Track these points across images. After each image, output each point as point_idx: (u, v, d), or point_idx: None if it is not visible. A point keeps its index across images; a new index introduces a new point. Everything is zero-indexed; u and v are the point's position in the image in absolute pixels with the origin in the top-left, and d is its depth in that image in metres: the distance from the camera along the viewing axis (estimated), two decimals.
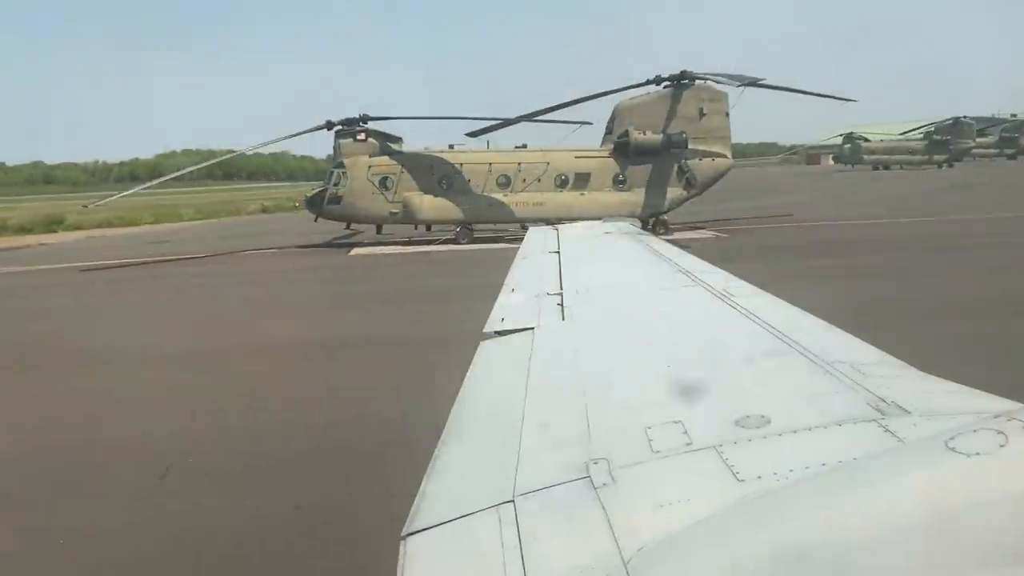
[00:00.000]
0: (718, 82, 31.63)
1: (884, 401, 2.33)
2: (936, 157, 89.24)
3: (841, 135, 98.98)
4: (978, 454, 1.51)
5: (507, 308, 4.65)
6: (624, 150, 31.64)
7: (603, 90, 32.74)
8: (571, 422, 2.63)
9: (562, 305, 4.48)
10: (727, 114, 33.16)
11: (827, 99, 36.94)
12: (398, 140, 32.74)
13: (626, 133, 31.62)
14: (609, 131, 32.65)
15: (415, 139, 33.84)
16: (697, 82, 32.70)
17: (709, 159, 32.39)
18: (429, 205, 30.94)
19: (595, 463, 2.23)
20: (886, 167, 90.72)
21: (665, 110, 32.42)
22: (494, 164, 31.62)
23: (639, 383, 3.08)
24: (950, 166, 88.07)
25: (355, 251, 30.11)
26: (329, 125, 31.55)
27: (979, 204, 39.44)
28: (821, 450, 2.07)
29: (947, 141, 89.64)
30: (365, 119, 31.58)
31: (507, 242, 30.35)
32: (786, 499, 1.76)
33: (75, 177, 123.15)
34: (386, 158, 31.39)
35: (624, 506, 1.95)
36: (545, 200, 31.20)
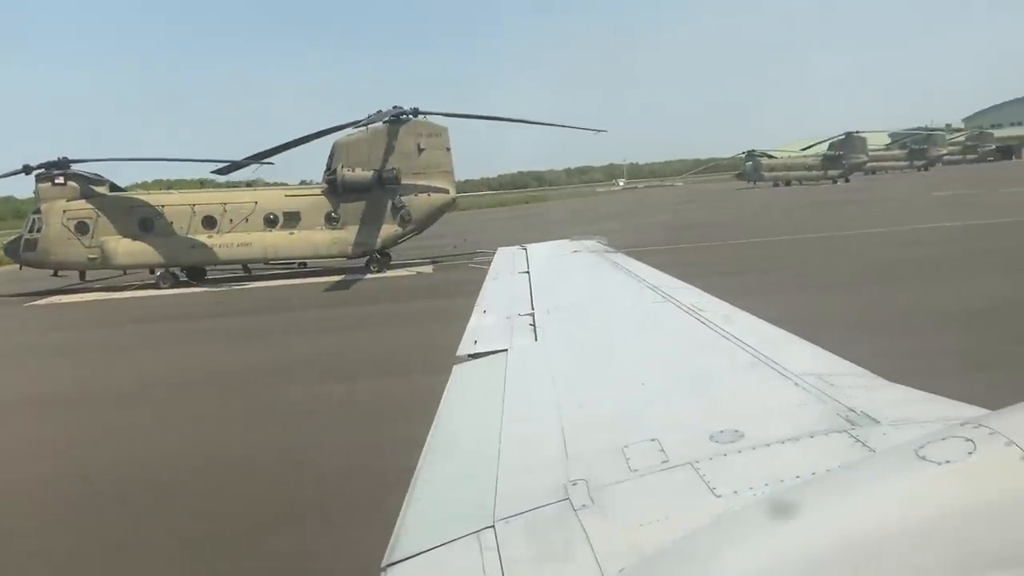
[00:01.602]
0: (386, 121, 29.24)
1: (854, 411, 2.24)
2: (831, 172, 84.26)
3: (744, 153, 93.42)
4: (948, 462, 1.43)
5: (479, 330, 4.38)
6: (335, 187, 29.07)
7: (332, 126, 30.96)
8: (548, 444, 2.47)
9: (534, 325, 4.23)
10: (448, 149, 30.83)
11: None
12: (102, 183, 29.62)
13: (334, 170, 29.21)
14: (328, 168, 29.93)
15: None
16: (419, 117, 30.91)
17: (425, 195, 29.59)
18: (125, 249, 27.88)
19: (574, 484, 2.10)
20: (787, 183, 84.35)
21: (382, 146, 29.84)
22: (198, 205, 28.87)
23: (614, 401, 2.89)
24: (846, 180, 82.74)
25: (41, 301, 26.81)
26: (27, 169, 28.38)
27: (773, 227, 35.05)
28: (794, 462, 1.97)
29: (841, 156, 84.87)
30: (65, 163, 28.49)
31: (226, 284, 28.64)
32: (762, 514, 1.62)
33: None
34: (83, 202, 28.21)
35: (604, 527, 1.84)
36: (252, 240, 28.48)
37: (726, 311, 4.06)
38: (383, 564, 1.94)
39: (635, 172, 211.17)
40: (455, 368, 3.67)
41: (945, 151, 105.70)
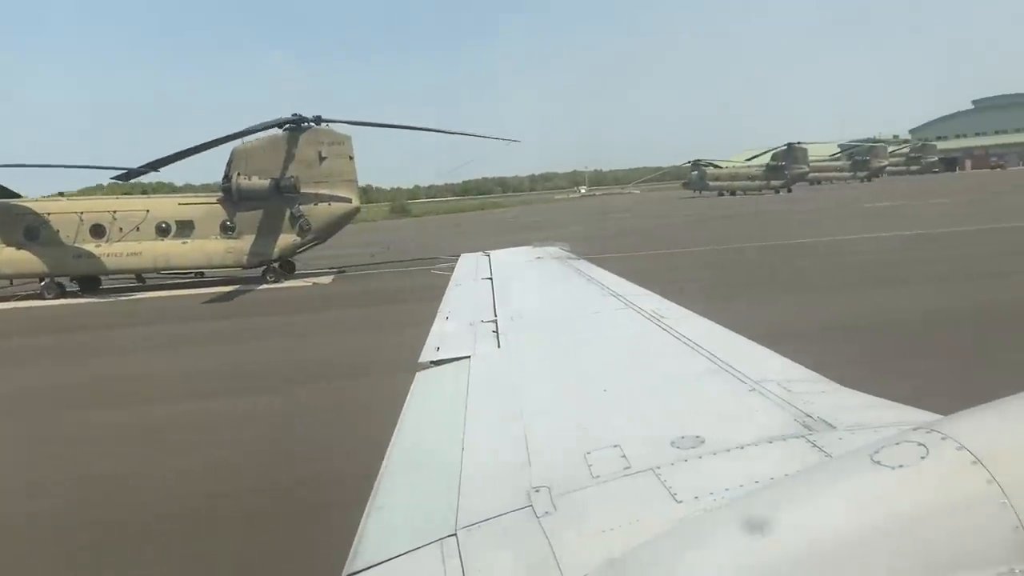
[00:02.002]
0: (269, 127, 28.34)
1: (811, 417, 2.26)
2: (773, 183, 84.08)
3: (690, 162, 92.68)
4: (901, 466, 1.45)
5: (442, 336, 4.30)
6: (230, 196, 27.84)
7: (233, 132, 29.99)
8: (511, 451, 2.44)
9: (497, 332, 4.18)
10: (351, 157, 30.23)
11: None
12: None
13: (229, 178, 28.21)
14: (225, 176, 28.75)
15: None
16: (322, 125, 30.13)
17: (326, 204, 28.49)
18: (7, 258, 26.46)
19: (536, 491, 2.08)
20: (732, 193, 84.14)
21: (281, 154, 28.80)
22: (86, 213, 27.53)
23: (577, 408, 2.85)
24: (788, 191, 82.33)
25: None
26: None
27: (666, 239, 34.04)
28: (754, 467, 1.96)
29: (783, 167, 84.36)
30: None
31: (116, 294, 27.54)
32: (722, 519, 1.63)
33: None
34: None
35: (567, 534, 1.82)
36: (142, 250, 27.24)
37: (687, 318, 4.05)
38: (344, 574, 1.88)
39: (599, 179, 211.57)
40: (418, 375, 3.59)
41: (886, 162, 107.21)
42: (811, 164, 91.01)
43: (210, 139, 28.83)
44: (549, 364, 3.63)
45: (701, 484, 1.92)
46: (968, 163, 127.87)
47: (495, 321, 4.48)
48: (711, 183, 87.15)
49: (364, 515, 2.17)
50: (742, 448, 2.11)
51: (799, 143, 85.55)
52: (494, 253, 7.75)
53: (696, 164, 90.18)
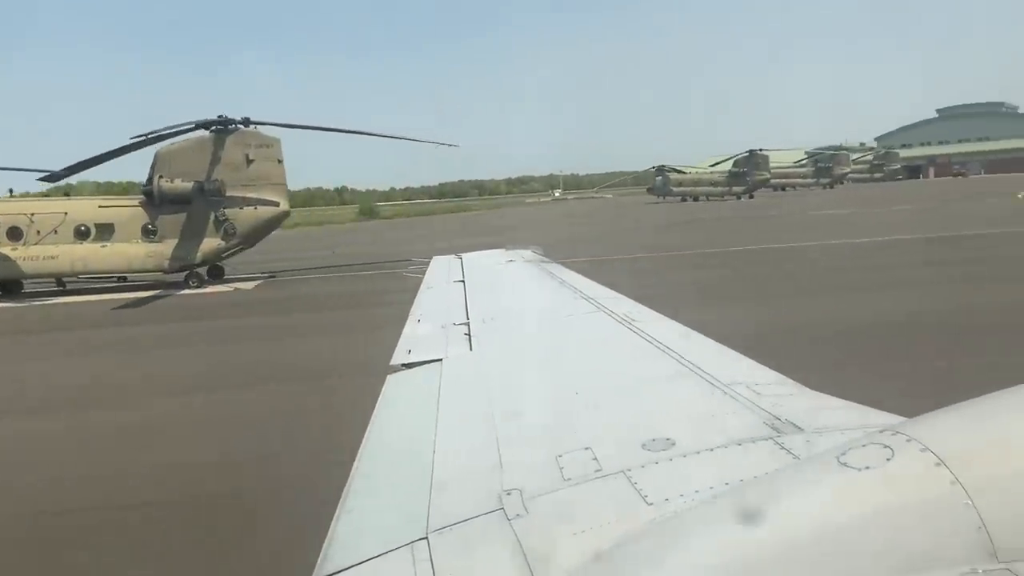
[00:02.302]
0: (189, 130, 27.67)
1: (779, 419, 2.27)
2: (735, 189, 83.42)
3: (654, 167, 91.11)
4: (867, 468, 1.46)
5: (414, 339, 4.28)
6: (152, 199, 27.30)
7: (153, 133, 29.09)
8: (483, 454, 2.43)
9: (469, 335, 4.16)
10: (280, 160, 29.57)
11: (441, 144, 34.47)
12: None
13: (151, 180, 27.65)
14: (148, 178, 27.93)
15: None
16: (250, 127, 29.55)
17: (252, 208, 27.95)
18: None
19: (508, 494, 2.07)
20: (695, 199, 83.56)
21: (207, 156, 28.21)
22: (2, 216, 26.57)
23: (548, 411, 2.85)
24: (750, 197, 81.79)
25: None
26: None
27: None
28: (723, 469, 1.97)
29: (745, 173, 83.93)
30: None
31: (32, 299, 26.78)
32: (692, 521, 1.65)
33: None
34: None
35: (538, 537, 1.82)
36: (59, 253, 26.38)
37: (658, 321, 4.04)
38: None
39: (575, 183, 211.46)
40: (389, 377, 3.54)
41: (849, 169, 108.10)
42: (776, 170, 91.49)
43: (132, 140, 28.05)
44: (521, 367, 3.61)
45: (671, 486, 1.92)
46: (931, 171, 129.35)
47: (467, 324, 4.44)
48: (674, 189, 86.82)
49: (334, 518, 2.13)
50: (712, 450, 2.11)
51: (761, 150, 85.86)
52: (467, 256, 7.65)
53: (660, 170, 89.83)
